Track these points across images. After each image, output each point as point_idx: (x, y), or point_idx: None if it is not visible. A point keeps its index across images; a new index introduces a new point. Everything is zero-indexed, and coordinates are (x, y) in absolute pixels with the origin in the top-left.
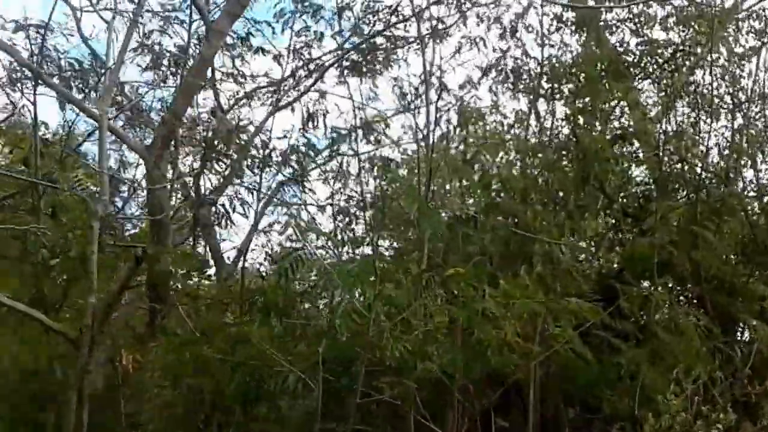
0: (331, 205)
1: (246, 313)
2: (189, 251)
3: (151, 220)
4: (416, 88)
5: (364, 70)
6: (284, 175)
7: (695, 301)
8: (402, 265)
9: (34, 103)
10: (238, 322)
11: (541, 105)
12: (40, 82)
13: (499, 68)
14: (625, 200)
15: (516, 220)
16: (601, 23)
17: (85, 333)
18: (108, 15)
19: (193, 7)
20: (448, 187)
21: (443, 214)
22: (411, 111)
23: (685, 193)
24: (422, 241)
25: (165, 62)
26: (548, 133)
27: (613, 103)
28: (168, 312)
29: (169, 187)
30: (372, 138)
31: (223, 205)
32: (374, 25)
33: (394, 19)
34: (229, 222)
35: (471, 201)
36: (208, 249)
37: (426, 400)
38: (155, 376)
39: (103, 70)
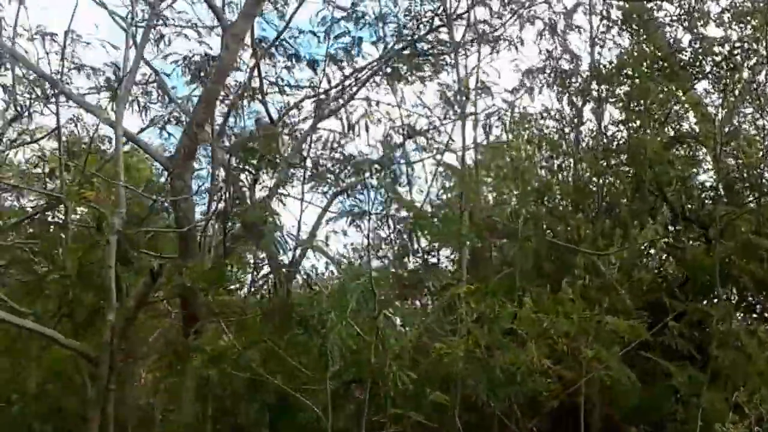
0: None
1: (279, 329)
2: (216, 265)
3: (178, 234)
4: (463, 94)
5: (409, 76)
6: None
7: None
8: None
9: (57, 114)
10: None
11: (592, 108)
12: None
13: (548, 71)
14: (685, 206)
15: (557, 229)
16: (652, 21)
17: (104, 351)
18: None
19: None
20: (491, 195)
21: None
22: (458, 118)
23: (750, 198)
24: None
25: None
26: (600, 137)
27: (669, 105)
28: (201, 327)
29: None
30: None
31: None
32: (417, 30)
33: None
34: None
35: (511, 209)
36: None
37: (469, 423)
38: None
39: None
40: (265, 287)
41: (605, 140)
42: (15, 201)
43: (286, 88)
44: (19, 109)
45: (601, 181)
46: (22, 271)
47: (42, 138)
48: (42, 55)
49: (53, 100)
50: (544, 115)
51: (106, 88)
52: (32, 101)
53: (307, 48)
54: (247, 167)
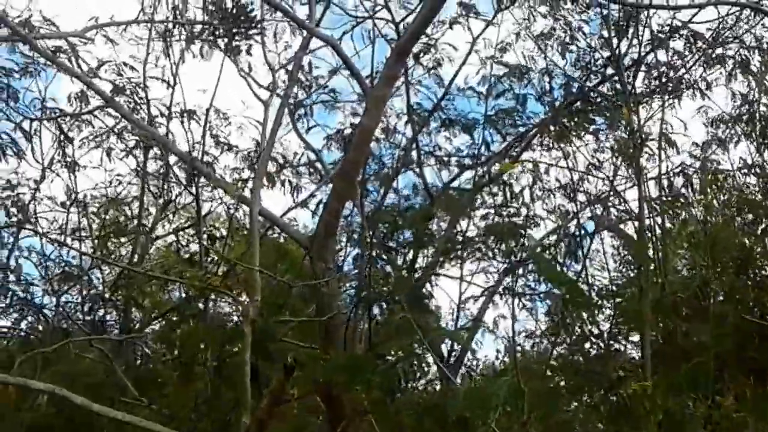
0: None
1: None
2: (363, 356)
3: (319, 322)
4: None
5: (581, 133)
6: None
7: None
8: None
9: (196, 197)
10: None
11: None
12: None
13: (744, 118)
14: None
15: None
16: None
17: None
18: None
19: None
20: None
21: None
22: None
23: None
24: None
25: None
26: None
27: None
28: (347, 427)
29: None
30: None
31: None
32: (587, 80)
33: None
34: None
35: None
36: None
37: None
38: None
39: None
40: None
41: None
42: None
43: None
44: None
45: None
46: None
47: (186, 227)
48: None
49: (193, 182)
50: (743, 170)
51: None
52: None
53: (464, 109)
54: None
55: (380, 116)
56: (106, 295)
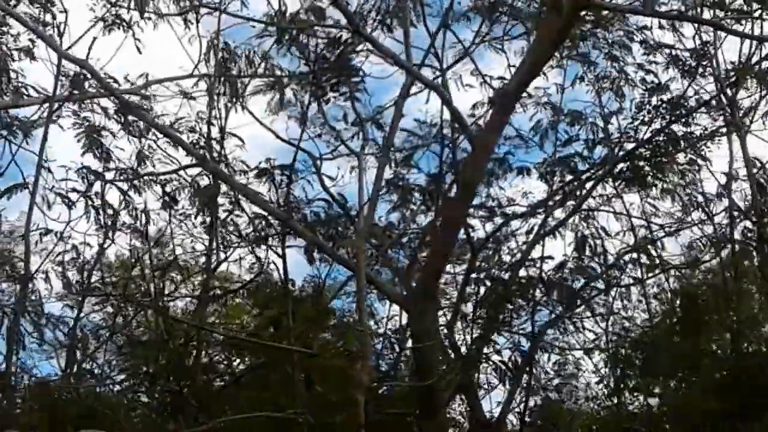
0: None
1: None
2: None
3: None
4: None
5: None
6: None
7: None
8: None
9: (283, 257)
10: None
11: None
12: (288, 232)
13: None
14: None
15: None
16: None
17: None
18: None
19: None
20: None
21: None
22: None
23: None
24: None
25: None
26: None
27: None
28: None
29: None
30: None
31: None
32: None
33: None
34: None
35: None
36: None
37: None
38: None
39: (353, 212)
40: None
41: None
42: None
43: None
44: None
45: None
46: None
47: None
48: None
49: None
50: None
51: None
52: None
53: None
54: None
55: (485, 165)
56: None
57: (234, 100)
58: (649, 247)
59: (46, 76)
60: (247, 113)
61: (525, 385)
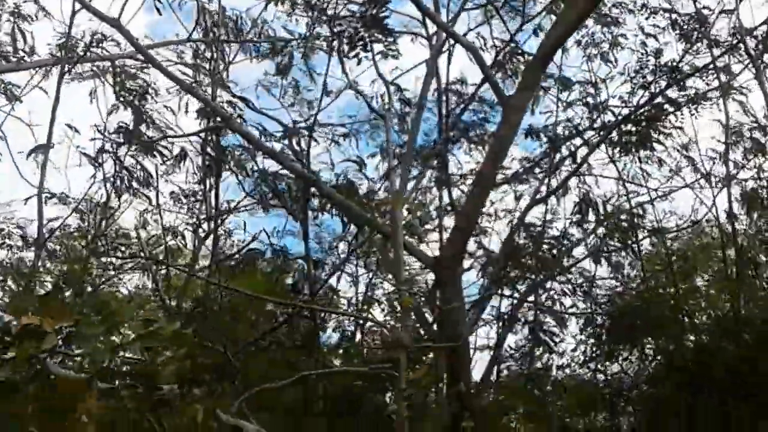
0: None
1: None
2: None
3: (448, 348)
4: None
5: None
6: None
7: None
8: None
9: (304, 221)
10: None
11: None
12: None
13: None
14: None
15: None
16: None
17: None
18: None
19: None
20: None
21: None
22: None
23: None
24: None
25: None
26: None
27: None
28: None
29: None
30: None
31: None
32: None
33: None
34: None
35: None
36: None
37: None
38: None
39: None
40: None
41: None
42: None
43: None
44: None
45: None
46: None
47: None
48: None
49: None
50: None
51: None
52: None
53: None
54: None
55: (518, 126)
56: None
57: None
58: (639, 210)
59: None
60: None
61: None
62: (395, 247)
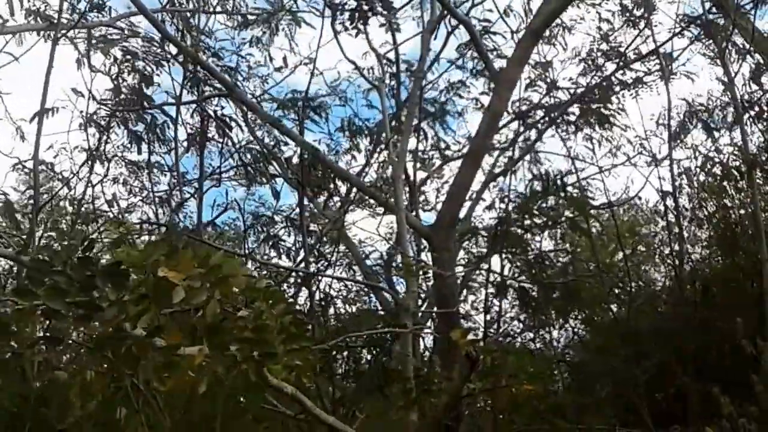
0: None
1: None
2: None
3: (439, 314)
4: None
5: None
6: None
7: None
8: None
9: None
10: None
11: None
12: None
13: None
14: None
15: None
16: None
17: None
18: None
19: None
20: None
21: None
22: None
23: None
24: None
25: None
26: None
27: None
28: None
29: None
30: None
31: None
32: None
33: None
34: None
35: None
36: None
37: None
38: None
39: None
40: None
41: None
42: None
43: None
44: None
45: None
46: None
47: None
48: None
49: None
50: None
51: None
52: None
53: None
54: None
55: (509, 99)
56: None
57: None
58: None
59: None
60: None
61: None
62: (398, 217)
